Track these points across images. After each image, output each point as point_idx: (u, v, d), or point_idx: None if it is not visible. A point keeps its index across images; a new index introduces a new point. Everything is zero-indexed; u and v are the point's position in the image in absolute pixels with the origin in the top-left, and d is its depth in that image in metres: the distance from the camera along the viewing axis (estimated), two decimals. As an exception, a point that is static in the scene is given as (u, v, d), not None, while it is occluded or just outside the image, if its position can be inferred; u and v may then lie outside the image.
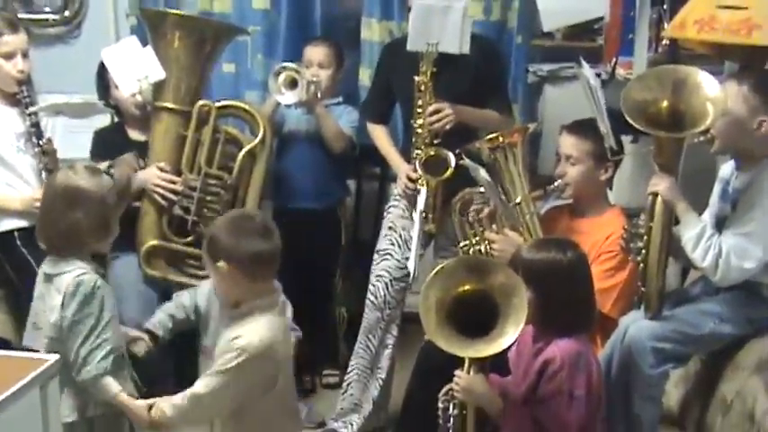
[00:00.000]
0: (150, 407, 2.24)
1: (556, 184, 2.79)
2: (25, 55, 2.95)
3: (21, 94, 2.92)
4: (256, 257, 2.21)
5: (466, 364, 2.26)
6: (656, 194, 2.46)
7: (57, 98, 3.11)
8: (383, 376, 3.14)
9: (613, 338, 2.54)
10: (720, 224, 2.55)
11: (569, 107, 3.21)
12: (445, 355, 2.31)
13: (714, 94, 2.40)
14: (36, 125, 2.94)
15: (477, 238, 2.82)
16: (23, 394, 1.63)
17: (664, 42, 3.22)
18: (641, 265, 2.50)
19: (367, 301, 3.13)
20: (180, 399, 2.23)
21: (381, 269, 3.12)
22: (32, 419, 1.67)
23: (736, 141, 2.49)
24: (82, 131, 3.29)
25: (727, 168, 2.62)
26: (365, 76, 3.58)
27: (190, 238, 3.04)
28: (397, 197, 3.16)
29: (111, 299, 2.35)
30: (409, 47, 2.93)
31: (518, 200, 2.76)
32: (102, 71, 3.16)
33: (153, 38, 3.05)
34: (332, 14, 3.78)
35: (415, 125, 2.99)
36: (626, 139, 2.94)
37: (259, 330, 2.20)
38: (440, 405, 2.31)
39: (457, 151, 2.87)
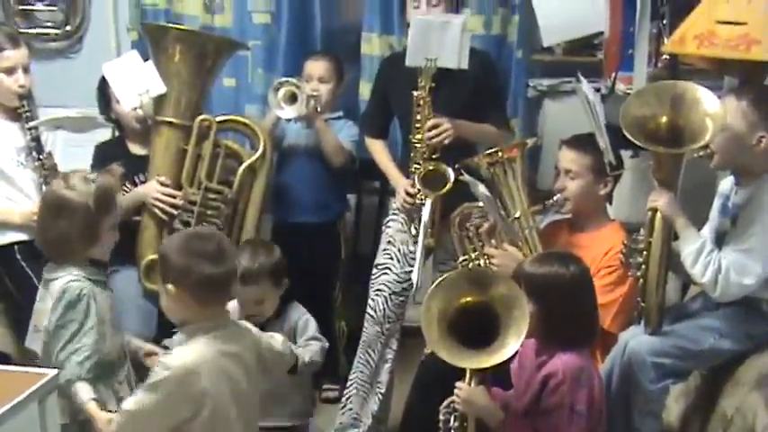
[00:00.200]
0: (110, 420, 2.20)
1: (555, 198, 2.79)
2: (26, 70, 2.97)
3: (22, 109, 2.93)
4: (206, 282, 2.12)
5: (467, 376, 2.26)
6: (655, 210, 2.46)
7: (57, 112, 3.12)
8: (383, 390, 3.13)
9: (613, 353, 2.54)
10: (720, 239, 2.55)
11: (569, 122, 3.21)
12: (445, 369, 2.31)
13: (713, 109, 2.40)
14: (36, 139, 2.95)
15: (477, 253, 2.82)
16: (22, 408, 1.63)
17: (663, 57, 3.22)
18: (641, 280, 2.50)
19: (367, 316, 3.13)
20: (117, 414, 2.18)
21: (381, 283, 3.12)
22: (31, 434, 1.68)
23: (735, 157, 2.49)
24: (82, 146, 3.30)
25: (726, 183, 2.62)
26: (365, 91, 3.59)
27: (190, 252, 3.04)
28: (396, 211, 3.16)
29: (104, 306, 2.37)
30: (408, 62, 2.94)
31: (517, 214, 2.76)
32: (104, 85, 3.18)
33: (154, 52, 3.06)
34: (332, 29, 3.79)
35: (414, 140, 2.99)
36: (626, 154, 2.94)
37: (189, 352, 2.12)
38: (441, 417, 2.31)
39: (456, 166, 2.87)
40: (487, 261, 2.78)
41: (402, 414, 2.92)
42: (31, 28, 3.78)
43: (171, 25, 3.37)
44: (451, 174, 2.92)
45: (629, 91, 3.23)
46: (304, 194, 3.46)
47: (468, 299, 2.24)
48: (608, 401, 2.39)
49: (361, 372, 3.12)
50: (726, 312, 2.51)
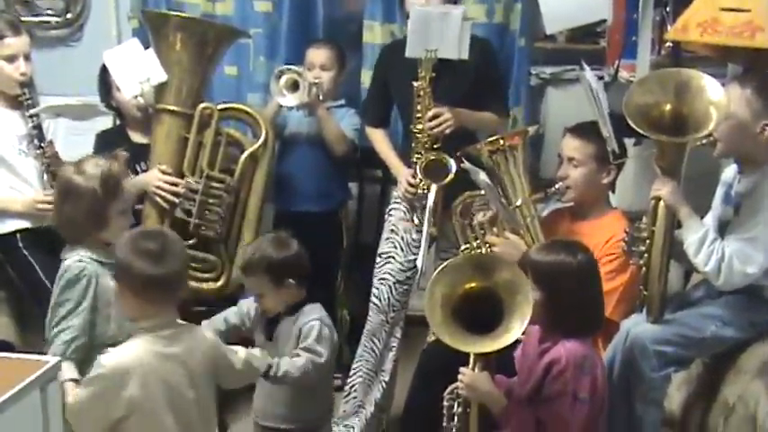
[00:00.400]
0: None
1: (557, 186, 2.79)
2: (27, 57, 2.96)
3: (23, 97, 2.92)
4: (146, 281, 2.12)
5: (471, 362, 2.26)
6: (658, 198, 2.46)
7: (58, 100, 3.11)
8: (386, 379, 3.14)
9: (615, 341, 2.54)
10: (723, 228, 2.55)
11: (572, 110, 3.21)
12: (448, 358, 2.31)
13: (717, 98, 2.39)
14: (38, 127, 2.94)
15: (479, 242, 2.81)
16: (24, 395, 1.63)
17: (666, 45, 3.21)
18: (643, 268, 2.50)
19: (371, 304, 3.13)
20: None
21: (385, 272, 3.12)
22: (33, 421, 1.68)
23: (738, 145, 2.48)
24: (83, 134, 3.30)
25: (729, 172, 2.61)
26: (367, 79, 3.57)
27: (192, 241, 3.04)
28: (398, 200, 3.16)
29: (111, 289, 2.38)
30: (408, 53, 2.93)
31: (518, 203, 2.76)
32: (104, 74, 3.17)
33: (155, 40, 3.05)
34: (334, 17, 3.78)
35: (415, 130, 2.99)
36: (629, 141, 2.93)
37: (124, 352, 2.11)
38: (444, 403, 2.32)
39: (457, 154, 2.87)
40: (489, 249, 2.77)
41: (405, 402, 2.93)
42: (31, 16, 3.77)
43: (172, 13, 3.34)
44: (453, 164, 2.92)
45: (632, 79, 3.22)
46: (306, 183, 3.46)
47: (472, 284, 2.25)
48: (610, 389, 2.39)
49: (366, 360, 3.13)
50: (728, 300, 2.51)
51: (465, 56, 2.91)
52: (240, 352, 2.36)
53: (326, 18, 3.72)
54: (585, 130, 2.78)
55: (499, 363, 2.32)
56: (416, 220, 3.05)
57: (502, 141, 2.76)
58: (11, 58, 2.91)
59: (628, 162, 2.88)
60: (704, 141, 2.45)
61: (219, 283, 3.09)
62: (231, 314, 2.66)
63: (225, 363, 2.26)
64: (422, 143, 2.98)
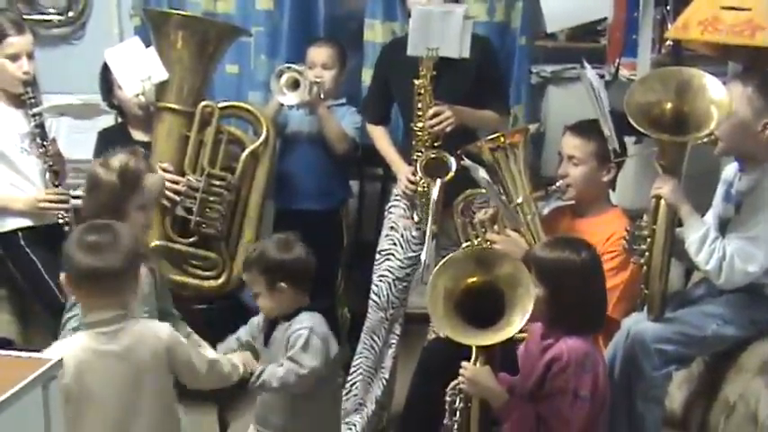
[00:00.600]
0: None
1: (557, 184, 2.79)
2: (31, 56, 2.96)
3: (26, 95, 2.92)
4: (82, 273, 2.10)
5: (473, 356, 2.27)
6: (659, 197, 2.46)
7: (60, 99, 3.11)
8: (386, 376, 3.14)
9: (616, 340, 2.54)
10: (723, 226, 2.55)
11: (573, 108, 3.21)
12: (449, 355, 2.31)
13: (719, 97, 2.39)
14: (40, 126, 2.94)
15: (479, 240, 2.82)
16: (25, 393, 1.63)
17: (667, 43, 3.21)
18: (644, 267, 2.50)
19: (370, 302, 3.13)
20: None
21: (384, 269, 3.12)
22: (34, 419, 1.67)
23: (739, 143, 2.49)
24: (86, 132, 3.31)
25: (730, 170, 2.61)
26: (368, 77, 3.58)
27: (193, 239, 3.05)
28: (398, 197, 3.16)
29: None
30: (409, 52, 2.93)
31: (519, 200, 2.76)
32: (106, 72, 3.17)
33: (156, 38, 3.06)
34: (335, 15, 3.78)
35: (416, 128, 2.99)
36: (629, 140, 2.93)
37: (62, 346, 2.09)
38: (446, 398, 2.32)
39: (458, 152, 2.87)
40: (490, 247, 2.77)
41: (405, 399, 2.93)
42: (33, 14, 3.77)
43: (173, 11, 3.35)
44: (453, 162, 2.92)
45: (632, 77, 3.22)
46: (307, 181, 3.46)
47: (474, 278, 2.25)
48: (610, 388, 2.39)
49: (366, 357, 3.13)
50: (729, 299, 2.51)
51: (466, 54, 2.92)
52: (210, 354, 2.31)
53: (327, 16, 3.72)
54: (586, 129, 2.78)
55: (503, 361, 2.32)
56: (416, 218, 3.06)
57: (503, 139, 2.76)
58: (14, 57, 2.91)
59: (628, 160, 2.89)
60: (705, 139, 2.45)
61: (220, 281, 3.10)
62: (242, 332, 2.61)
63: (183, 363, 2.18)
64: (422, 141, 2.98)
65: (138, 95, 3.04)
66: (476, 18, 3.14)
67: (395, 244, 3.12)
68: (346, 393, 3.17)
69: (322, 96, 3.29)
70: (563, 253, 2.28)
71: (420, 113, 2.97)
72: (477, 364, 2.26)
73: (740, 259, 2.42)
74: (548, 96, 3.77)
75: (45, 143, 2.94)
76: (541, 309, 2.22)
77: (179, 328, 2.67)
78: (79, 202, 3.14)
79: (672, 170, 2.46)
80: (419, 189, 3.01)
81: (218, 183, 3.06)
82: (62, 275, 2.12)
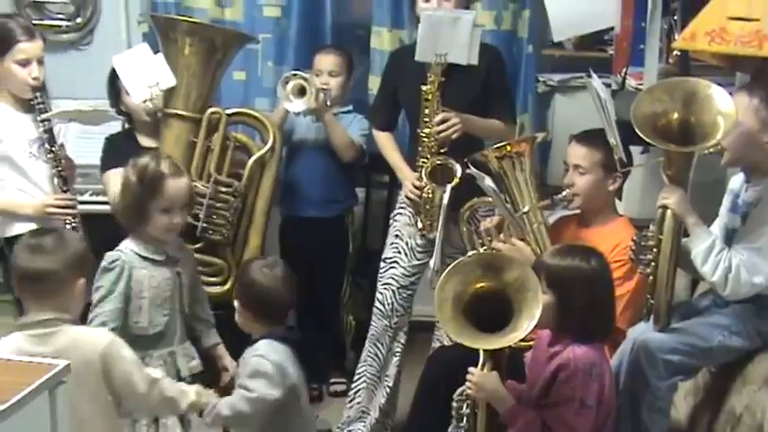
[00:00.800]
0: None
1: (564, 193, 2.79)
2: (41, 62, 2.96)
3: (35, 101, 2.93)
4: (19, 274, 2.17)
5: (480, 361, 2.27)
6: (665, 207, 2.45)
7: (69, 104, 3.12)
8: (390, 384, 3.14)
9: (622, 349, 2.53)
10: (729, 237, 2.54)
11: (579, 117, 3.21)
12: (454, 363, 2.31)
13: (726, 107, 2.39)
14: (49, 131, 2.94)
15: (485, 248, 2.82)
16: (32, 399, 1.63)
17: (674, 53, 3.21)
18: (650, 277, 2.49)
19: (375, 309, 3.14)
20: None
21: (389, 277, 3.12)
22: (40, 424, 1.68)
23: (746, 154, 2.48)
24: (93, 138, 3.32)
25: (737, 181, 2.61)
26: (374, 85, 3.59)
27: (199, 245, 3.05)
28: (403, 204, 3.16)
29: (145, 281, 2.50)
30: (418, 57, 2.93)
31: (525, 209, 2.76)
32: (114, 78, 3.18)
33: (164, 45, 3.07)
34: (342, 23, 3.80)
35: (422, 134, 2.99)
36: (636, 149, 2.93)
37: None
38: (453, 404, 2.33)
39: (464, 160, 2.87)
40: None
41: (409, 408, 2.93)
42: (42, 20, 3.79)
43: (181, 18, 3.36)
44: (459, 169, 2.92)
45: (639, 87, 3.21)
46: (313, 189, 3.46)
47: (482, 284, 2.26)
48: (616, 398, 2.39)
49: (370, 365, 3.13)
50: (735, 309, 2.50)
51: (474, 61, 2.92)
52: (155, 374, 2.25)
53: (335, 24, 3.74)
54: (592, 138, 2.78)
55: (510, 369, 2.32)
56: (420, 224, 3.06)
57: (509, 148, 2.76)
58: (24, 63, 2.92)
59: (635, 170, 2.88)
60: (711, 150, 2.45)
61: (226, 287, 3.10)
62: None
63: (119, 377, 2.15)
64: (428, 147, 2.99)
65: (145, 102, 3.04)
66: (482, 26, 3.15)
67: (399, 252, 3.12)
68: (350, 401, 3.18)
69: (328, 104, 3.30)
70: (573, 260, 2.29)
71: (427, 119, 2.97)
72: (485, 370, 2.26)
73: (746, 270, 2.41)
74: (554, 105, 3.77)
75: (53, 148, 2.95)
76: (549, 316, 2.23)
77: (208, 334, 2.73)
78: (87, 207, 3.17)
79: (678, 180, 2.46)
80: (424, 195, 3.01)
81: (224, 189, 3.07)
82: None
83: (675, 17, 3.20)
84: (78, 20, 3.83)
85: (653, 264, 2.48)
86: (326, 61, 3.41)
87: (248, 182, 3.12)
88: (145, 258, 2.55)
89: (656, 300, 2.49)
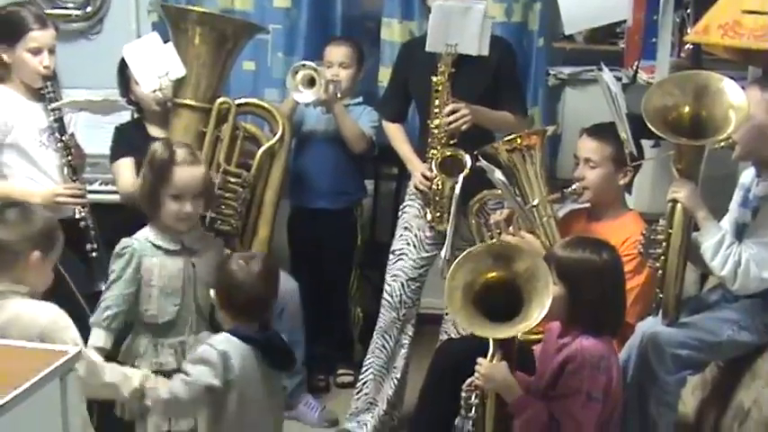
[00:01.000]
0: None
1: (573, 187, 2.78)
2: (52, 51, 2.96)
3: (45, 90, 2.93)
4: None
5: (489, 352, 2.27)
6: (676, 201, 2.45)
7: (78, 94, 3.12)
8: (398, 376, 3.15)
9: (630, 343, 2.53)
10: (740, 231, 2.54)
11: (590, 110, 3.20)
12: (462, 355, 2.31)
13: (737, 101, 2.37)
14: (59, 120, 2.95)
15: (494, 241, 2.81)
16: (43, 385, 1.64)
17: (687, 47, 3.19)
18: (659, 271, 2.49)
19: (383, 301, 3.14)
20: None
21: (397, 269, 3.12)
22: (52, 411, 1.68)
23: (757, 148, 2.47)
24: (103, 127, 3.32)
25: (748, 175, 2.60)
26: (384, 77, 3.58)
27: (208, 235, 3.05)
28: (413, 196, 3.16)
29: (155, 270, 2.52)
30: (428, 48, 2.93)
31: (535, 202, 2.76)
32: (123, 67, 3.18)
33: (174, 35, 3.06)
34: (352, 14, 3.79)
35: (432, 125, 2.99)
36: (647, 143, 2.92)
37: None
38: (462, 395, 2.33)
39: (474, 153, 2.87)
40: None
41: (417, 400, 2.93)
42: (52, 8, 3.78)
43: (191, 8, 3.36)
44: (468, 160, 2.92)
45: (651, 80, 3.20)
46: (322, 181, 3.46)
47: (493, 274, 2.26)
48: (623, 391, 2.38)
49: (378, 357, 3.14)
50: (744, 304, 2.50)
51: (485, 52, 2.91)
52: (95, 357, 2.28)
53: (345, 15, 3.73)
54: (603, 132, 2.77)
55: (520, 362, 2.32)
56: (429, 216, 3.05)
57: (519, 141, 2.76)
58: (36, 51, 2.92)
59: (645, 164, 2.87)
60: (723, 144, 2.44)
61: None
62: None
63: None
64: (438, 139, 2.98)
65: (155, 91, 3.04)
66: (493, 18, 3.14)
67: (408, 244, 3.12)
68: (357, 392, 3.18)
69: (339, 95, 3.30)
70: (584, 253, 2.29)
71: (437, 110, 2.97)
72: (494, 360, 2.26)
73: (756, 265, 2.41)
74: (565, 98, 3.76)
75: (64, 138, 2.95)
76: (559, 308, 2.23)
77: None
78: (96, 196, 3.17)
79: (689, 174, 2.45)
80: (433, 187, 3.01)
81: (233, 179, 3.07)
82: None
83: (688, 10, 3.19)
84: (88, 9, 3.83)
85: (662, 258, 2.48)
86: (337, 53, 3.40)
87: (257, 172, 3.12)
88: (158, 247, 2.56)
89: (665, 294, 2.49)
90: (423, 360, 2.97)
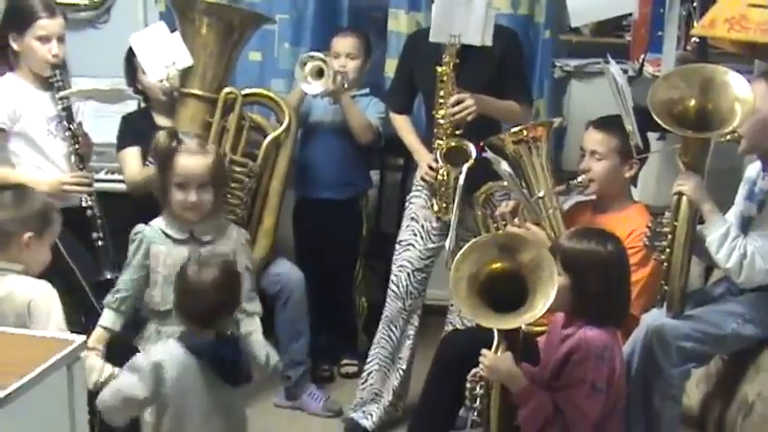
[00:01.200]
0: None
1: (579, 179, 2.78)
2: (61, 40, 2.96)
3: (53, 78, 2.94)
4: None
5: (494, 343, 2.27)
6: (681, 194, 2.45)
7: (86, 83, 3.13)
8: (403, 366, 3.16)
9: (635, 336, 2.53)
10: (745, 224, 2.54)
11: (595, 103, 3.20)
12: (467, 346, 2.32)
13: (743, 94, 2.37)
14: (67, 109, 2.95)
15: (500, 232, 2.82)
16: (49, 374, 1.65)
17: (693, 40, 3.19)
18: (665, 263, 2.49)
19: (389, 291, 3.14)
20: None
21: (403, 259, 3.13)
22: (58, 399, 1.70)
23: (763, 142, 2.47)
24: (110, 116, 3.33)
25: (753, 169, 2.60)
26: (391, 68, 3.58)
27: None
28: (419, 187, 3.16)
29: (162, 258, 2.57)
30: (432, 38, 2.93)
31: (541, 194, 2.76)
32: (131, 57, 3.19)
33: (181, 24, 3.07)
34: (359, 5, 3.78)
35: (437, 116, 2.98)
36: (653, 136, 2.92)
37: None
38: (467, 386, 2.33)
39: (480, 144, 2.87)
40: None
41: (422, 390, 2.94)
42: (59, -2, 3.78)
43: (198, -3, 3.36)
44: (473, 150, 2.92)
45: (657, 73, 3.20)
46: (328, 171, 3.47)
47: (498, 264, 2.26)
48: (628, 384, 2.39)
49: (383, 347, 3.14)
50: (749, 297, 2.50)
51: (488, 42, 2.91)
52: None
53: (352, 6, 3.73)
54: (609, 124, 2.77)
55: (525, 354, 2.32)
56: (435, 207, 3.06)
57: (525, 132, 2.76)
58: (44, 39, 2.92)
59: (651, 157, 2.87)
60: (728, 137, 2.44)
61: (240, 267, 3.11)
62: None
63: (38, 325, 2.22)
64: (444, 129, 2.98)
65: (162, 81, 3.05)
66: (499, 10, 3.13)
67: (415, 234, 3.13)
68: (362, 383, 3.19)
69: (346, 86, 3.30)
70: (589, 244, 2.30)
71: (442, 101, 2.96)
72: (499, 351, 2.26)
73: (761, 257, 2.41)
74: (570, 91, 3.76)
75: (72, 126, 2.96)
76: (564, 298, 2.24)
77: (246, 322, 2.61)
78: (102, 185, 3.18)
79: (695, 167, 2.45)
80: (439, 177, 3.01)
81: (239, 169, 3.08)
82: None
83: (695, 4, 3.18)
84: (95, -2, 3.83)
85: (668, 250, 2.48)
86: (344, 44, 3.40)
87: (263, 162, 3.13)
88: (167, 236, 2.59)
89: (670, 286, 2.49)
90: (428, 351, 2.97)
